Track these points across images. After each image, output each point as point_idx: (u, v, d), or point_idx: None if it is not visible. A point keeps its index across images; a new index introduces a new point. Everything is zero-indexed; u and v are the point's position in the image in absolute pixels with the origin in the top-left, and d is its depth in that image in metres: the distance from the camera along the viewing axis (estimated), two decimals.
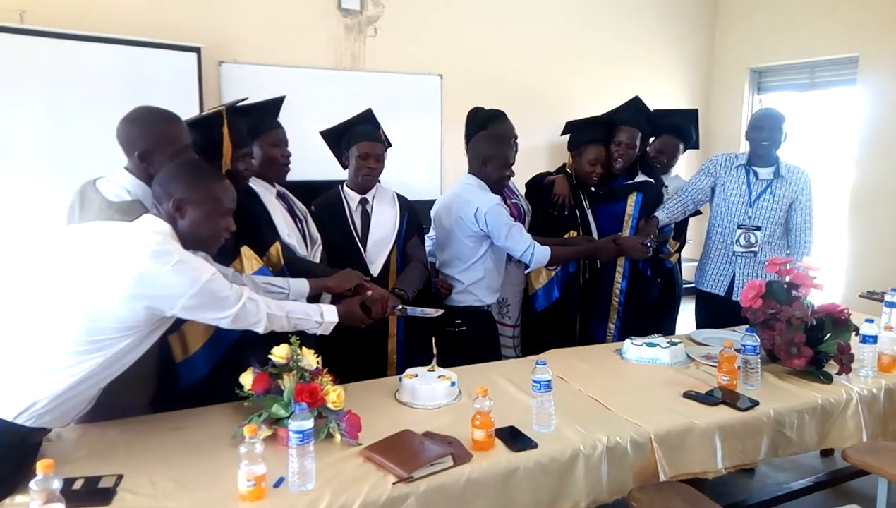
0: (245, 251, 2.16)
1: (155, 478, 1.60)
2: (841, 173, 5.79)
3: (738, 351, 2.26)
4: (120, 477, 1.59)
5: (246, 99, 2.39)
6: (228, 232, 1.84)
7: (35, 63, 3.91)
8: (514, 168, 2.87)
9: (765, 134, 3.03)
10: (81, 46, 4.04)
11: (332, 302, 2.16)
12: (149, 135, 1.92)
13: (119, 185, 1.93)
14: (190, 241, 1.75)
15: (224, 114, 2.16)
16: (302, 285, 2.18)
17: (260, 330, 1.81)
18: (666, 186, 3.34)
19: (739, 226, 3.10)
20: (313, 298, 2.21)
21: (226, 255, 2.08)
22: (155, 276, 1.59)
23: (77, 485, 1.54)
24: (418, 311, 2.37)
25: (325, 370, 1.88)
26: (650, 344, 2.55)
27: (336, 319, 2.01)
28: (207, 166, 1.89)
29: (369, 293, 2.23)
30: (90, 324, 1.59)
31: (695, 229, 4.18)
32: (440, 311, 2.42)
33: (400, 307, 2.33)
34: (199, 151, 2.04)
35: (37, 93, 3.92)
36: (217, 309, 1.71)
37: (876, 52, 5.41)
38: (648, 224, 3.11)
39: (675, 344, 2.56)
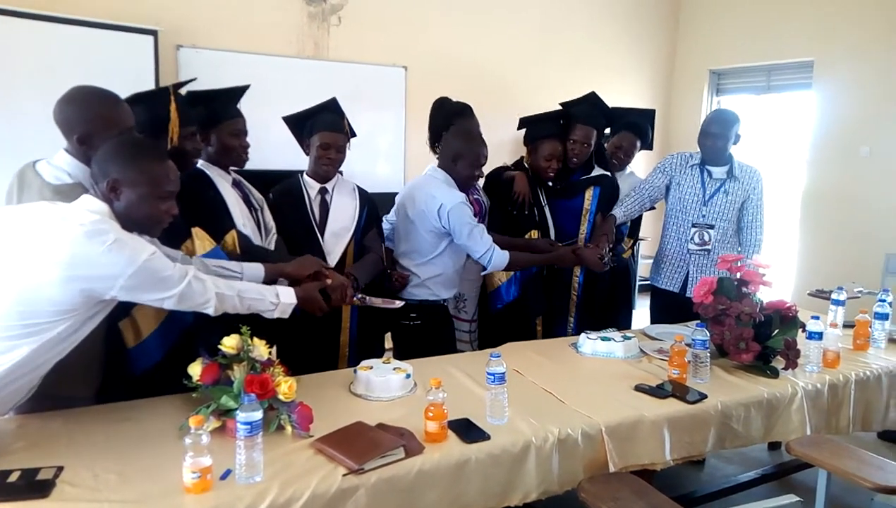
0: (197, 232, 2.10)
1: (97, 470, 1.55)
2: (794, 175, 5.95)
3: (688, 345, 2.31)
4: (60, 469, 1.54)
5: (194, 79, 2.33)
6: (170, 215, 1.78)
7: None
8: None
9: (711, 140, 3.08)
10: (30, 25, 3.90)
11: (290, 286, 2.10)
12: (88, 117, 1.84)
13: (59, 168, 1.86)
14: (128, 223, 1.69)
15: (171, 90, 2.09)
16: (256, 269, 2.12)
17: (210, 310, 1.76)
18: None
19: (694, 225, 3.16)
20: (269, 284, 2.14)
21: (175, 236, 2.03)
22: (90, 257, 1.54)
23: (13, 478, 1.48)
24: (378, 301, 2.34)
25: (278, 361, 1.85)
26: (605, 338, 2.58)
27: (294, 301, 1.96)
28: (149, 145, 1.81)
29: (329, 281, 2.19)
30: (23, 308, 1.53)
31: (652, 227, 4.26)
32: (400, 303, 2.40)
33: (360, 296, 2.30)
34: (143, 129, 1.98)
35: None
36: (159, 290, 1.65)
37: (830, 56, 5.57)
38: (605, 222, 3.15)
39: (629, 338, 2.60)
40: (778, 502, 1.17)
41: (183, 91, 2.24)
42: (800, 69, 5.87)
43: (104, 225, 1.60)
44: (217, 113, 2.31)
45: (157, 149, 1.82)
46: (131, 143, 1.76)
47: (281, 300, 1.93)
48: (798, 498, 1.17)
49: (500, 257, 2.71)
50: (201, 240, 2.11)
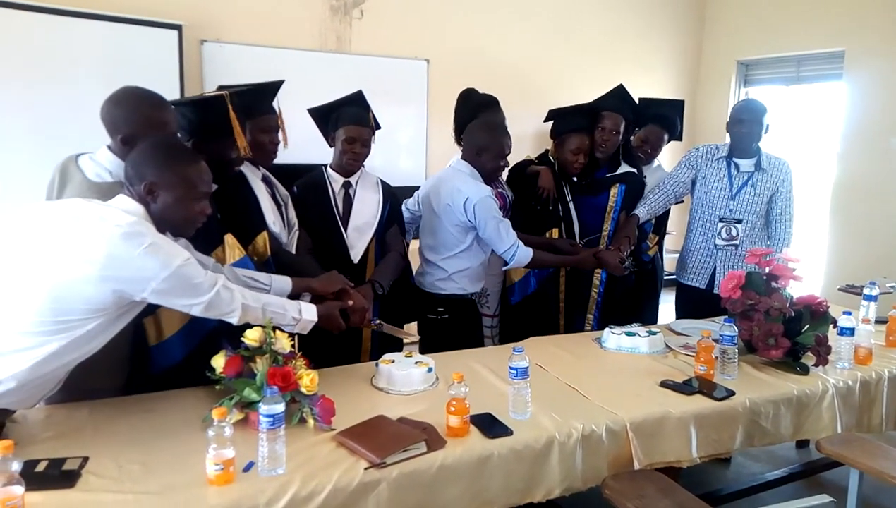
0: (228, 239, 2.11)
1: (121, 461, 1.56)
2: (824, 168, 5.82)
3: (715, 341, 2.26)
4: (85, 460, 1.55)
5: (244, 86, 2.31)
6: (204, 215, 1.79)
7: (8, 37, 3.81)
8: None
9: (744, 127, 3.01)
10: (57, 21, 3.93)
11: (312, 302, 2.11)
12: (133, 119, 1.85)
13: (101, 165, 1.88)
14: (163, 225, 1.71)
15: (227, 99, 2.08)
16: (285, 283, 2.12)
17: (234, 320, 1.77)
18: (645, 178, 3.32)
19: (721, 219, 3.10)
20: (294, 297, 2.14)
21: (209, 242, 2.04)
22: (125, 259, 1.55)
23: (40, 467, 1.50)
24: (393, 330, 2.38)
25: (300, 354, 1.85)
26: (629, 334, 2.54)
27: (315, 319, 1.98)
28: (181, 146, 1.84)
29: (350, 302, 2.19)
30: (55, 305, 1.54)
31: (677, 221, 4.18)
32: (415, 337, 2.38)
33: (378, 322, 2.33)
34: (195, 132, 1.98)
35: (10, 69, 3.81)
36: (189, 296, 1.67)
37: (861, 47, 5.42)
38: (628, 223, 3.09)
39: (654, 333, 2.56)
40: (810, 502, 1.13)
41: (213, 85, 2.22)
42: (830, 59, 5.73)
43: (141, 227, 1.61)
44: (250, 108, 2.26)
45: (191, 151, 1.84)
46: (166, 146, 1.77)
47: (303, 317, 1.95)
48: (831, 499, 1.14)
49: (524, 253, 2.69)
50: (232, 248, 2.11)
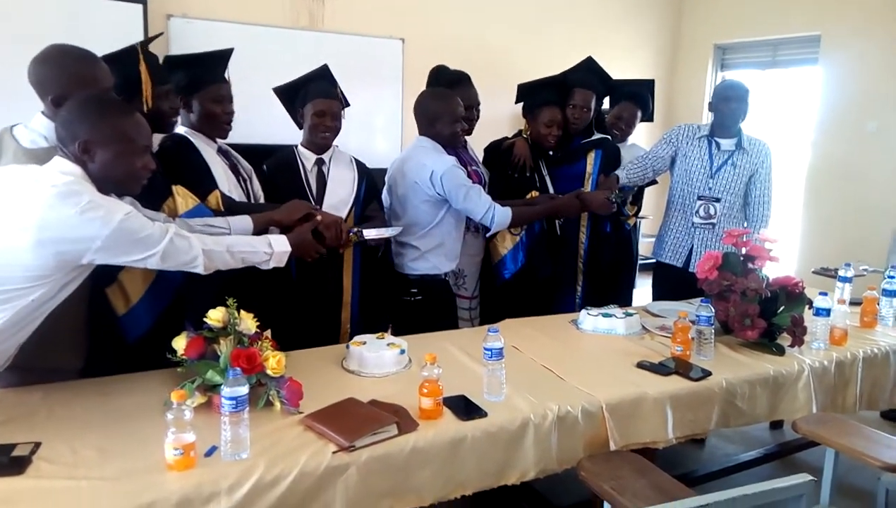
0: (179, 189, 2.02)
1: (76, 446, 1.49)
2: (798, 152, 5.86)
3: (692, 321, 2.24)
4: (37, 445, 1.47)
5: (160, 35, 2.21)
6: (148, 170, 1.70)
7: None
8: (476, 136, 2.76)
9: (731, 105, 3.01)
10: None
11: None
12: (63, 77, 1.75)
13: (35, 131, 1.79)
14: (105, 184, 1.62)
15: (140, 49, 1.99)
16: (244, 222, 2.03)
17: (199, 269, 1.69)
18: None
19: (699, 197, 3.09)
20: (259, 235, 2.05)
21: (156, 196, 1.95)
22: (62, 219, 1.48)
23: None
24: (374, 233, 2.24)
25: (266, 335, 1.78)
26: (606, 315, 2.51)
27: (288, 248, 1.89)
28: (112, 99, 1.73)
29: (319, 218, 2.09)
30: None
31: (654, 205, 4.17)
32: (398, 229, 2.28)
33: (355, 229, 2.22)
34: (116, 92, 1.88)
35: None
36: (139, 250, 1.59)
37: (837, 31, 5.45)
38: (608, 180, 3.09)
39: (631, 314, 2.53)
40: (790, 481, 1.10)
41: (162, 56, 2.15)
42: (806, 44, 5.75)
43: (78, 186, 1.52)
44: (199, 77, 2.20)
45: (124, 104, 1.73)
46: (96, 101, 1.66)
47: (274, 249, 1.86)
48: (812, 478, 1.11)
49: (503, 214, 2.64)
50: (183, 197, 2.01)
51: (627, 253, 3.37)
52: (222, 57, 2.31)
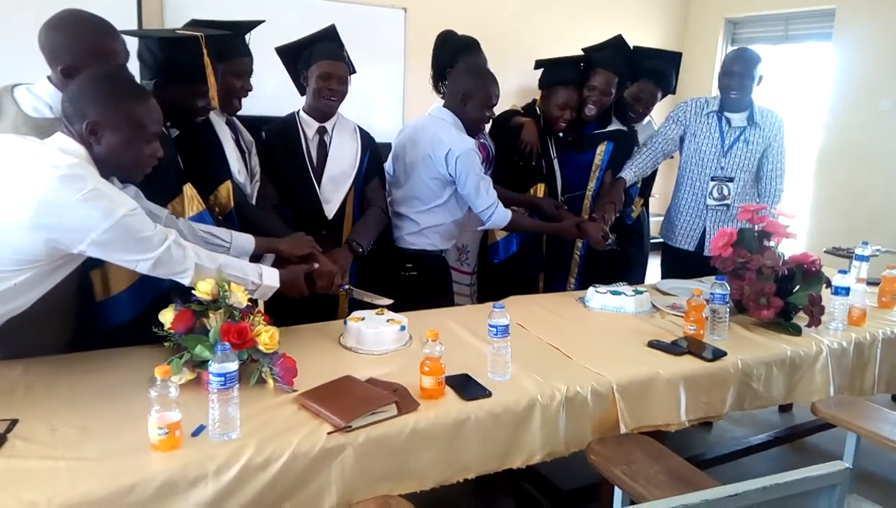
0: (188, 190, 1.93)
1: (56, 424, 1.40)
2: (810, 130, 5.72)
3: (706, 300, 2.14)
4: (14, 423, 1.39)
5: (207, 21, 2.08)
6: (154, 158, 1.61)
7: None
8: None
9: (734, 80, 2.83)
10: None
11: (276, 264, 1.94)
12: (76, 47, 1.64)
13: (39, 98, 1.67)
14: (108, 169, 1.53)
15: (202, 41, 1.87)
16: (246, 242, 1.94)
17: (186, 281, 1.61)
18: (637, 134, 3.15)
19: (712, 178, 2.94)
20: (256, 258, 1.98)
21: (166, 192, 1.87)
22: (62, 205, 1.39)
23: None
24: (365, 295, 2.16)
25: (258, 309, 1.69)
26: (615, 293, 2.42)
27: (277, 285, 1.81)
28: (127, 80, 1.63)
29: (317, 265, 2.01)
30: None
31: (662, 183, 4.03)
32: (388, 301, 2.21)
33: (347, 287, 2.14)
34: (162, 71, 1.82)
35: None
36: (135, 251, 1.50)
37: (853, 5, 5.29)
38: (613, 187, 2.91)
39: (640, 292, 2.44)
40: (824, 470, 1.02)
41: (158, 28, 2.03)
42: (820, 17, 5.60)
43: (82, 170, 1.43)
44: (224, 49, 2.04)
45: (139, 86, 1.64)
46: (111, 79, 1.56)
47: (263, 282, 1.77)
48: (847, 465, 1.02)
49: (502, 215, 2.53)
50: (191, 200, 1.93)
51: (637, 241, 3.19)
52: (249, 27, 2.17)
